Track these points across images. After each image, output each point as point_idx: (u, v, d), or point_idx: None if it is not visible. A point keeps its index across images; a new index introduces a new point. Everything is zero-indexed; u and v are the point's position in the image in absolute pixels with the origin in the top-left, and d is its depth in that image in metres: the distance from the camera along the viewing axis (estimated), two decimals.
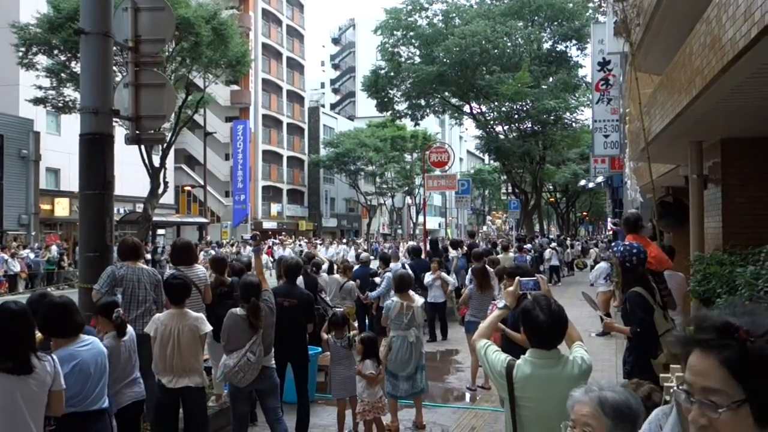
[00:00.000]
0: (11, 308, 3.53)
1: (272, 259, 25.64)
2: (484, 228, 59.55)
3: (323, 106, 66.30)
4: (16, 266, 23.35)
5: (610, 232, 20.78)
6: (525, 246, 20.72)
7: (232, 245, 33.16)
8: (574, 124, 37.75)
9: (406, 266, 11.79)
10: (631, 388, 3.16)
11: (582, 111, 36.93)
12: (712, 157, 7.91)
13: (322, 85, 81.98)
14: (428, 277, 11.54)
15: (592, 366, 3.27)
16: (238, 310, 5.48)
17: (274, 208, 49.95)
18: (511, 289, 3.80)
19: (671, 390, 4.22)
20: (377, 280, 11.18)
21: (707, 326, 1.47)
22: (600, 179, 27.03)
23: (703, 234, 7.95)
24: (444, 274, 11.79)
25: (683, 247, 8.80)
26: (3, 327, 3.46)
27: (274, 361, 5.80)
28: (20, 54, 25.01)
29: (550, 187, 53.07)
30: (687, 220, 8.42)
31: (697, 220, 7.97)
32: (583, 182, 42.18)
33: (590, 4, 31.23)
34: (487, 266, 9.58)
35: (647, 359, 4.77)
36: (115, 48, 6.25)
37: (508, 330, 5.49)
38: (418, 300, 6.86)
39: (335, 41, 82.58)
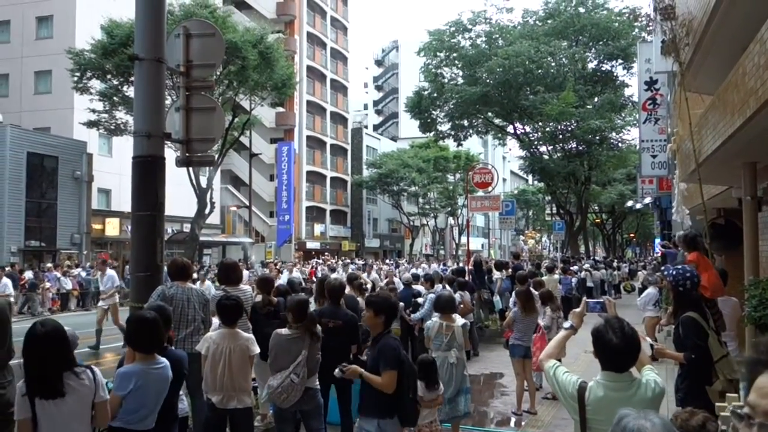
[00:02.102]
0: (36, 333, 3.50)
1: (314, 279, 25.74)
2: (525, 248, 58.52)
3: (366, 127, 66.82)
4: (68, 284, 23.97)
5: (659, 255, 20.30)
6: (571, 268, 20.40)
7: (276, 265, 33.39)
8: (620, 144, 37.23)
9: (447, 287, 11.72)
10: (685, 416, 3.08)
11: (628, 131, 36.43)
12: (766, 179, 7.69)
13: (365, 107, 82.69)
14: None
15: (665, 390, 3.21)
16: (284, 331, 5.51)
17: (318, 228, 50.32)
18: (578, 310, 3.75)
19: (729, 419, 4.08)
20: (420, 300, 11.12)
21: None
22: (647, 200, 26.52)
23: (758, 258, 7.71)
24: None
25: (735, 271, 8.55)
26: (29, 352, 3.46)
27: (318, 382, 5.81)
28: (75, 79, 25.94)
29: (596, 207, 52.29)
30: (739, 243, 8.18)
31: (751, 244, 7.73)
32: (630, 203, 41.47)
33: (636, 23, 30.92)
34: (531, 289, 9.46)
35: (701, 386, 4.63)
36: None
37: (365, 373, 4.59)
38: (459, 320, 6.81)
39: (378, 63, 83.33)
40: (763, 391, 1.40)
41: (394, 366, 4.47)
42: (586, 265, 25.31)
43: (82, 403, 3.56)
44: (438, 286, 11.71)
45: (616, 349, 3.10)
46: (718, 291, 5.67)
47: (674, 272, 5.01)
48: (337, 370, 4.71)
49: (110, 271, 14.50)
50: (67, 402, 3.47)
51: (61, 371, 3.48)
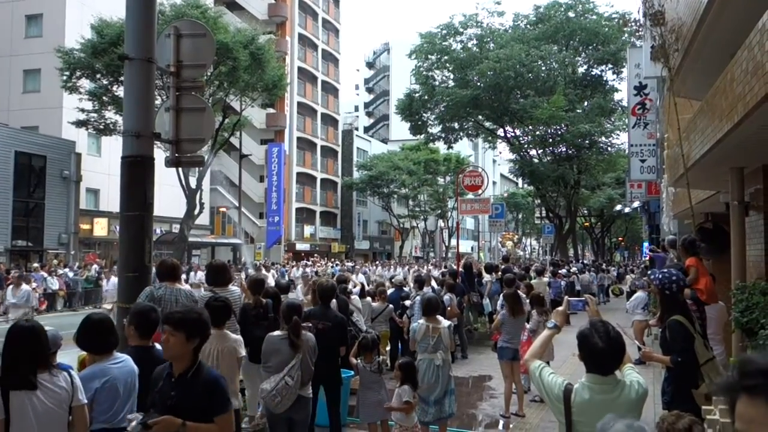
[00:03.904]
0: (22, 325, 3.54)
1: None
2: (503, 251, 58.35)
3: (357, 129, 66.79)
4: (54, 284, 23.78)
5: (647, 258, 20.42)
6: (560, 271, 20.47)
7: (265, 265, 33.36)
8: (609, 149, 37.44)
9: (435, 289, 11.74)
10: (672, 419, 3.09)
11: (618, 135, 36.66)
12: (753, 184, 7.75)
13: (356, 109, 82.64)
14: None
15: (648, 390, 3.25)
16: (276, 333, 5.49)
17: (307, 229, 50.25)
18: (560, 308, 3.77)
19: (715, 422, 4.12)
20: (407, 303, 11.12)
21: (753, 370, 1.38)
22: (636, 204, 26.73)
23: (745, 262, 7.75)
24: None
25: (723, 275, 8.60)
26: (10, 344, 3.46)
27: (311, 391, 5.79)
28: (64, 78, 25.80)
29: (585, 211, 52.51)
30: (727, 247, 8.24)
31: (738, 248, 7.78)
32: (618, 207, 41.74)
33: (626, 29, 31.08)
34: (519, 291, 9.49)
35: (688, 389, 4.67)
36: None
37: (192, 424, 3.41)
38: (445, 322, 6.81)
39: (369, 65, 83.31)
40: (744, 417, 1.38)
41: (230, 406, 3.74)
42: (574, 269, 25.43)
43: (57, 404, 3.50)
44: (427, 289, 11.73)
45: (601, 353, 3.14)
46: (713, 296, 5.71)
47: (660, 276, 5.04)
48: (134, 423, 3.41)
49: (26, 287, 14.61)
50: (41, 401, 3.42)
51: (35, 367, 3.46)
